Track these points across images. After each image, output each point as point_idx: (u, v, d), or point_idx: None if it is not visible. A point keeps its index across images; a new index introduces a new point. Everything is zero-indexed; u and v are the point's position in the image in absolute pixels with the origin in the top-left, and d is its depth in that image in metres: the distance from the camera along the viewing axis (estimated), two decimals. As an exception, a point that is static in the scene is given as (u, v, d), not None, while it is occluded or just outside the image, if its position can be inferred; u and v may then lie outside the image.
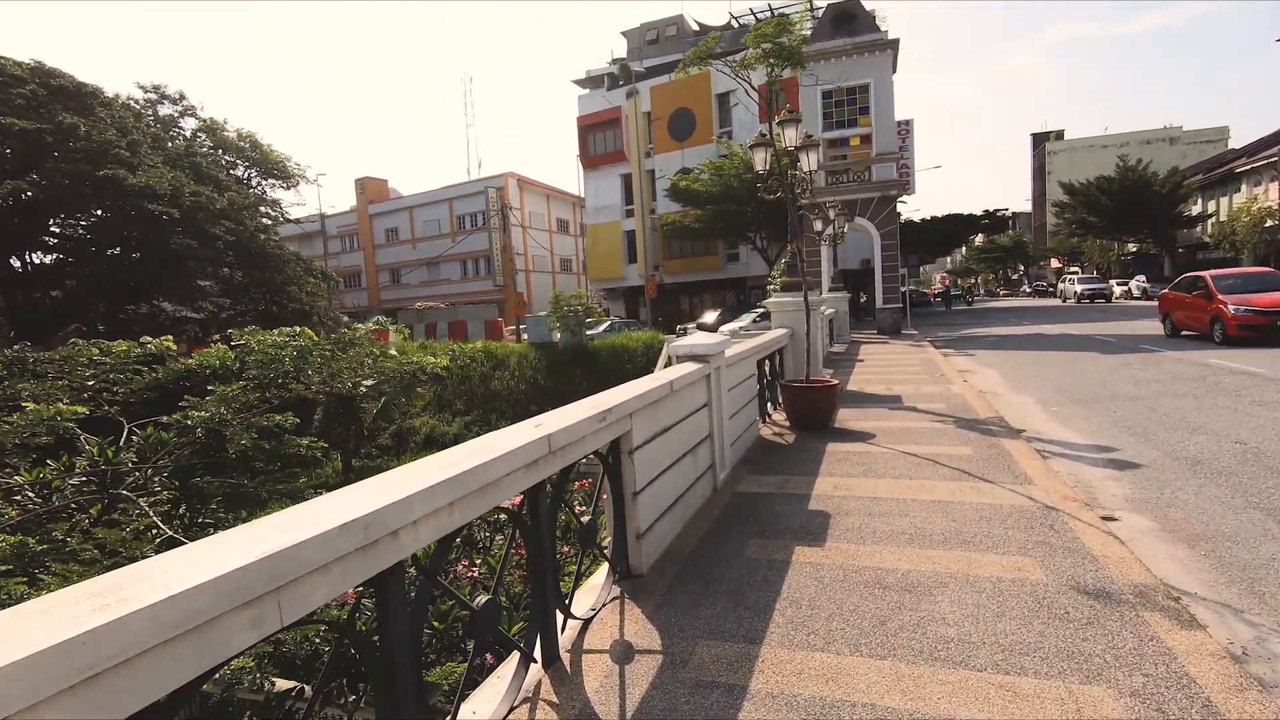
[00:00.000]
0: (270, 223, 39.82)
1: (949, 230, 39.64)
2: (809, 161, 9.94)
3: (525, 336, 29.59)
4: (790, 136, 9.75)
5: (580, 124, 45.93)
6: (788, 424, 7.32)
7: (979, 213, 38.90)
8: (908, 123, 36.92)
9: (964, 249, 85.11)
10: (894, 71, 22.66)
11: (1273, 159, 33.78)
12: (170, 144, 28.41)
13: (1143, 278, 41.54)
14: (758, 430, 6.86)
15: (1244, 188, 37.43)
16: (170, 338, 8.54)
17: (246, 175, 40.12)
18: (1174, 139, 69.33)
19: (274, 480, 9.12)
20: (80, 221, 23.99)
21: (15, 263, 24.50)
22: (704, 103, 40.22)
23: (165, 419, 8.31)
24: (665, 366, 20.96)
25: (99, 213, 22.54)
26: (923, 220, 39.15)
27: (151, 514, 6.82)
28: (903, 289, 23.12)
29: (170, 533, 6.80)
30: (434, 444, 24.81)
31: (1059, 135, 79.87)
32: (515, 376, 26.58)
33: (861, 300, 34.33)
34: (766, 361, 8.05)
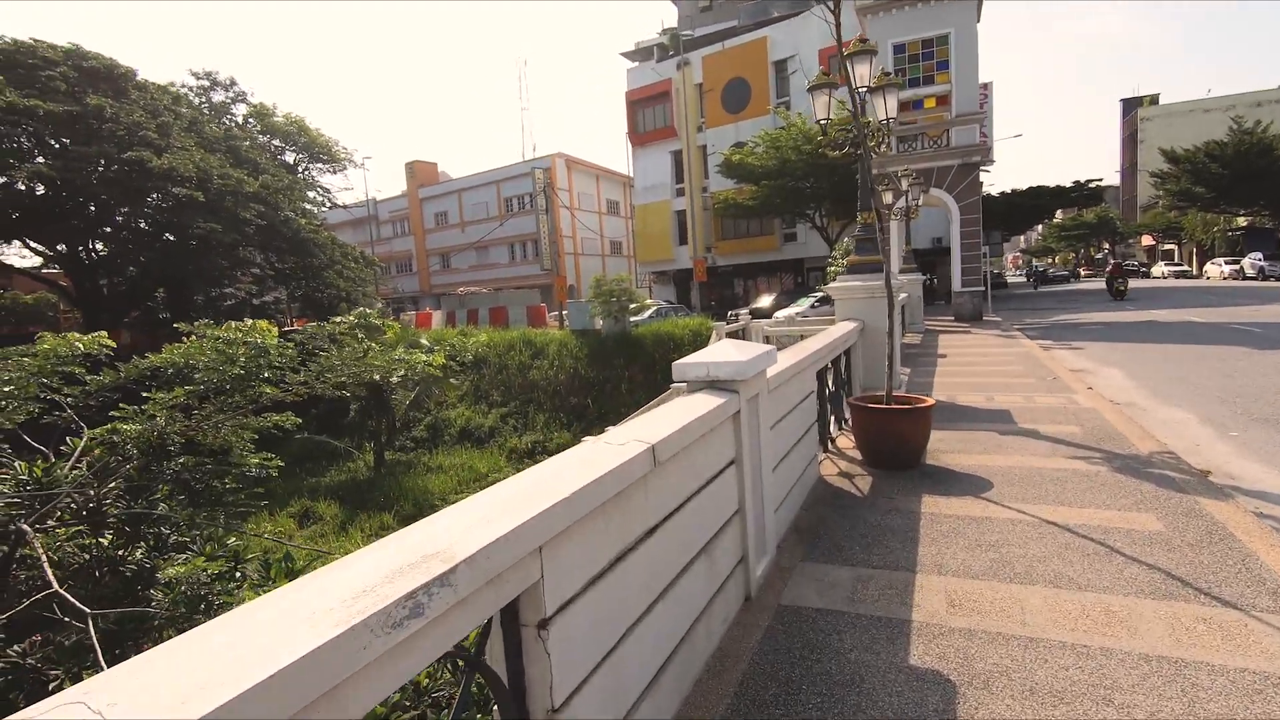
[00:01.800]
0: (314, 207, 39.49)
1: (1032, 205, 35.92)
2: (886, 106, 7.79)
3: (567, 323, 28.03)
4: (862, 74, 7.61)
5: (629, 99, 43.82)
6: (856, 454, 5.32)
7: (1068, 184, 35.03)
8: (986, 86, 33.39)
9: (1040, 227, 79.12)
10: (979, 19, 19.77)
11: None
12: (209, 127, 27.81)
13: (1258, 255, 36.78)
14: (816, 471, 4.88)
15: (1389, 149, 32.39)
16: (105, 333, 7.15)
17: (295, 160, 39.87)
18: (1290, 100, 62.10)
19: (233, 508, 7.60)
20: (123, 209, 23.62)
21: (82, 252, 24.43)
22: (760, 71, 37.51)
23: (90, 434, 6.93)
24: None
25: (145, 198, 22.03)
26: (1001, 194, 35.56)
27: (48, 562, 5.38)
28: (985, 269, 20.37)
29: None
30: (469, 436, 23.60)
31: (1153, 100, 72.92)
32: (555, 366, 25.03)
33: (931, 283, 31.32)
34: (829, 369, 6.04)
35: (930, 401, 4.96)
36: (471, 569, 1.28)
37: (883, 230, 21.96)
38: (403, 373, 9.27)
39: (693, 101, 40.70)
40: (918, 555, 3.44)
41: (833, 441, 5.91)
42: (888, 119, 7.81)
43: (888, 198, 17.35)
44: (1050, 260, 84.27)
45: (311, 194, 40.10)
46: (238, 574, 7.18)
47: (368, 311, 9.69)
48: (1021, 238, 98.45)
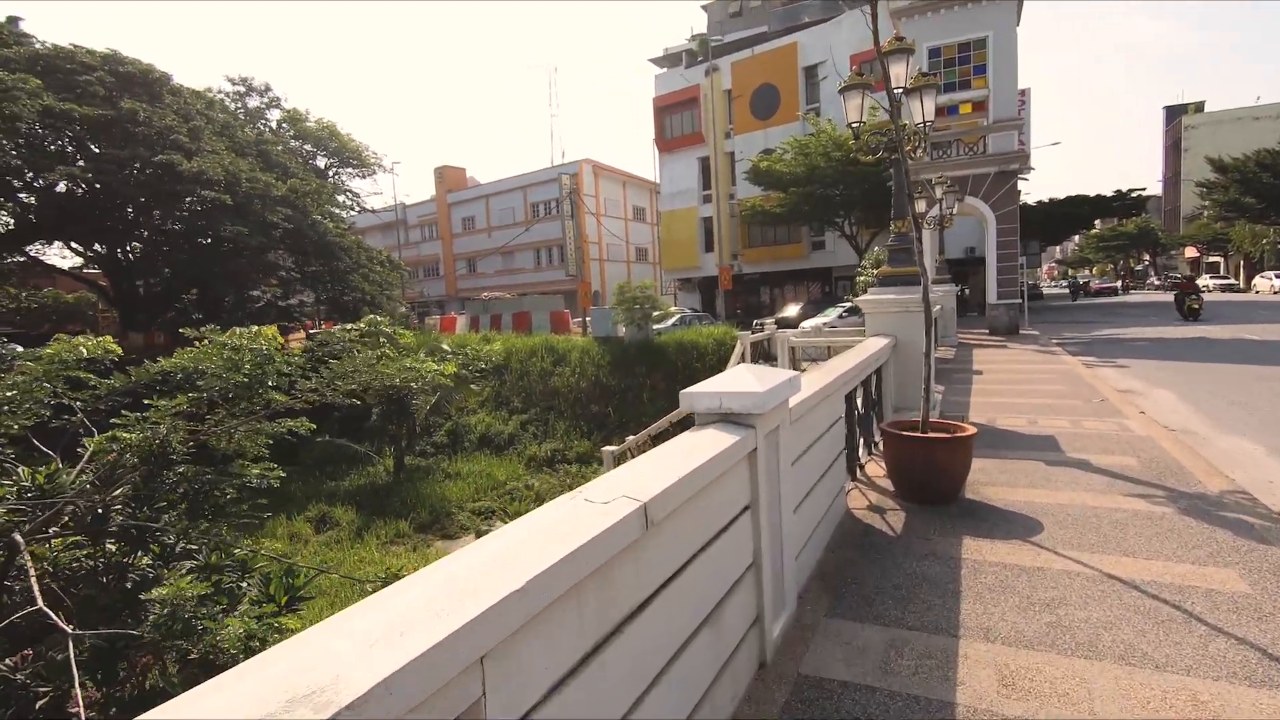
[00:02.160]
0: (343, 211, 39.88)
1: (1070, 214, 34.81)
2: (923, 109, 7.33)
3: (590, 330, 27.75)
4: (898, 75, 7.17)
5: (656, 105, 43.61)
6: (887, 483, 4.87)
7: (1108, 193, 33.85)
8: (1024, 92, 32.46)
9: (1077, 237, 76.92)
10: (1018, 22, 19.10)
11: None
12: (240, 131, 28.18)
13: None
14: (844, 504, 4.45)
15: None
16: (110, 337, 6.99)
17: (326, 165, 40.40)
18: (1346, 107, 59.82)
19: (234, 519, 7.35)
20: (157, 212, 24.00)
21: (119, 253, 24.89)
22: (789, 77, 36.99)
23: (86, 442, 6.76)
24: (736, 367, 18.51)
25: (178, 200, 22.32)
26: (1039, 203, 34.51)
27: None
28: (1021, 280, 19.61)
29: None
30: (488, 443, 23.41)
31: (1199, 107, 70.65)
32: (576, 373, 24.74)
33: (964, 294, 30.46)
34: (859, 389, 5.60)
35: (972, 430, 4.49)
36: (360, 714, 0.91)
37: (920, 243, 21.25)
38: (415, 381, 9.01)
39: (721, 108, 40.29)
40: (960, 614, 2.99)
41: (862, 469, 5.46)
42: (924, 122, 7.35)
43: (921, 206, 16.76)
44: (1090, 271, 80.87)
45: (341, 198, 40.60)
46: (242, 586, 6.94)
47: (378, 319, 9.41)
48: (1058, 249, 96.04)
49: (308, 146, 39.89)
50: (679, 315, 29.51)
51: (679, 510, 1.94)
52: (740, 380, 2.66)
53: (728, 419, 2.60)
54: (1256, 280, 41.25)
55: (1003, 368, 11.64)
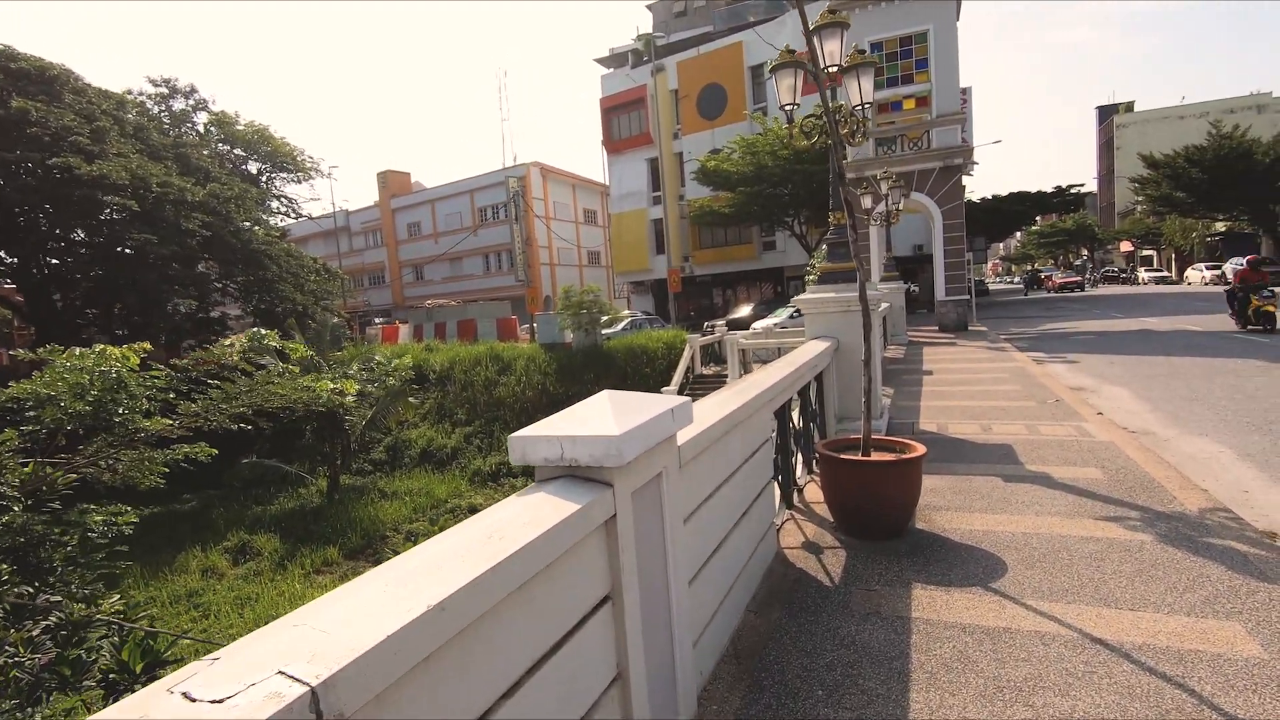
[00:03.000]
0: (277, 218, 37.98)
1: (1013, 211, 35.32)
2: (860, 89, 6.70)
3: (537, 337, 26.79)
4: (832, 52, 6.53)
5: (603, 106, 42.86)
6: (827, 515, 4.16)
7: (1049, 190, 34.45)
8: (966, 91, 32.79)
9: (1019, 234, 78.99)
10: (958, 17, 18.95)
11: None
12: (155, 134, 26.36)
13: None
14: (773, 544, 3.70)
15: (1368, 153, 32.14)
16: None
17: (259, 170, 38.51)
18: (1262, 106, 62.69)
19: (88, 569, 6.31)
20: (73, 221, 22.08)
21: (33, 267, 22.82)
22: (736, 77, 36.67)
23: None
24: (681, 380, 17.27)
25: (90, 208, 20.47)
26: (983, 200, 34.92)
27: None
28: (968, 276, 19.45)
29: None
30: (429, 458, 22.27)
31: (1129, 107, 73.38)
32: (522, 382, 23.78)
33: (912, 290, 30.50)
34: (796, 400, 4.90)
35: (920, 450, 3.81)
36: None
37: (861, 239, 21.01)
38: (312, 403, 8.05)
39: (668, 108, 39.79)
40: (909, 710, 2.26)
41: (800, 492, 4.75)
42: (862, 104, 6.72)
43: (866, 202, 16.39)
44: (1054, 264, 77.25)
45: (275, 204, 38.72)
46: (89, 653, 5.87)
47: (262, 334, 8.36)
48: (1001, 245, 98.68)
49: (237, 151, 37.93)
50: (629, 319, 28.77)
51: (451, 648, 1.15)
52: (592, 417, 1.88)
53: (575, 473, 1.81)
54: (1189, 272, 42.67)
55: (953, 367, 11.19)
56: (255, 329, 8.07)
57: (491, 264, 52.17)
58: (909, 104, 19.01)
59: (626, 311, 36.53)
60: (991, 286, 70.50)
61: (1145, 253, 60.63)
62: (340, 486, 20.11)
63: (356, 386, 8.83)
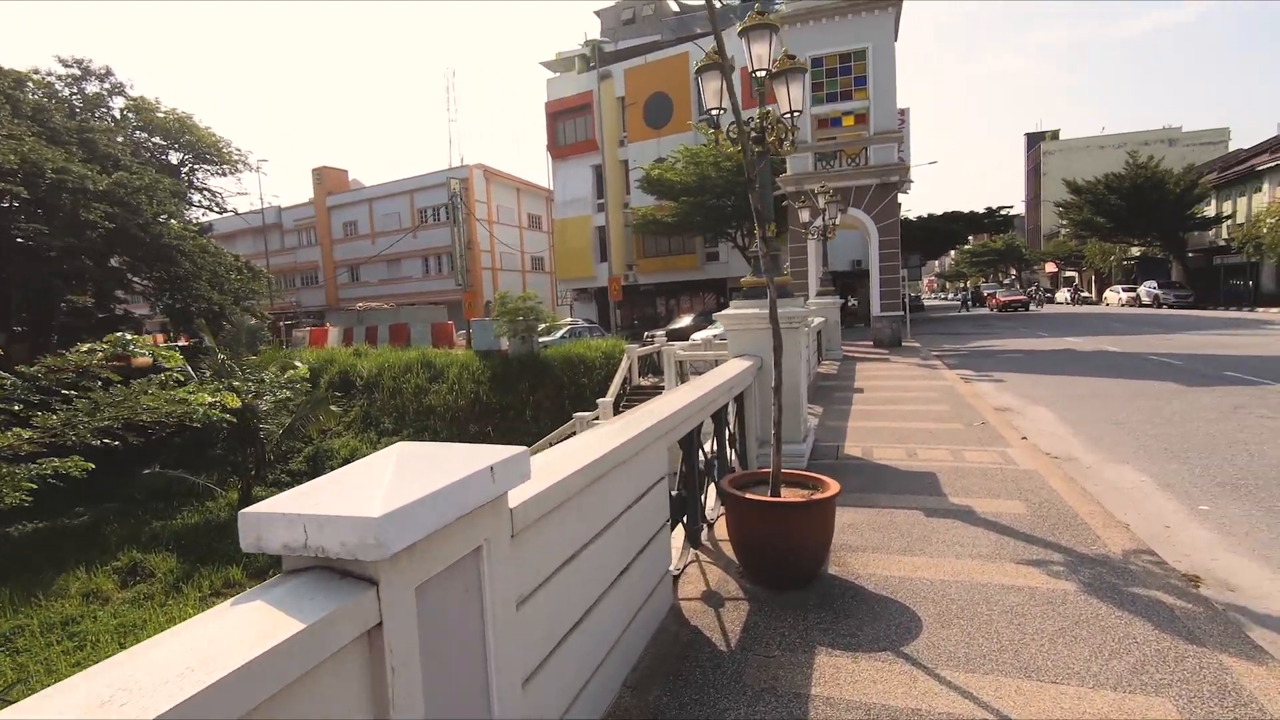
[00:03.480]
0: (198, 211, 35.95)
1: (947, 230, 36.37)
2: (789, 95, 6.41)
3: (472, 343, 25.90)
4: (760, 56, 6.23)
5: (549, 110, 42.29)
6: (733, 558, 3.74)
7: (981, 211, 35.65)
8: (904, 111, 33.62)
9: (952, 253, 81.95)
10: (896, 37, 19.22)
11: (1302, 154, 30.74)
12: (57, 117, 24.38)
13: (1153, 283, 38.47)
14: (667, 598, 3.25)
15: (1265, 186, 34.41)
16: None
17: (180, 161, 36.33)
18: (1173, 140, 66.78)
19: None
20: None
21: None
22: (682, 86, 36.65)
23: None
24: (618, 391, 16.72)
25: None
26: (919, 218, 35.85)
27: None
28: (903, 293, 19.68)
29: None
30: (353, 470, 21.11)
31: (1054, 135, 77.13)
32: (454, 390, 22.89)
33: (851, 305, 30.96)
34: (712, 424, 4.49)
35: (834, 489, 3.43)
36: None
37: (798, 254, 21.09)
38: (189, 417, 7.22)
39: (614, 115, 39.51)
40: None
41: (711, 528, 4.33)
42: (791, 111, 6.44)
43: (804, 215, 16.35)
44: (996, 280, 73.49)
45: (198, 197, 36.65)
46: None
47: (127, 337, 7.49)
48: (936, 263, 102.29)
49: (157, 140, 35.68)
50: (568, 327, 28.18)
51: None
52: (359, 485, 1.39)
53: (330, 565, 1.31)
54: (1107, 294, 44.91)
55: (884, 384, 11.08)
56: (120, 333, 7.20)
57: (431, 267, 50.73)
58: (848, 120, 19.16)
59: (568, 319, 35.94)
60: (927, 303, 72.65)
61: (1068, 274, 63.62)
62: (253, 499, 18.82)
63: (236, 402, 7.99)
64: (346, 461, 21.45)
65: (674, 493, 3.68)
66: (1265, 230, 31.27)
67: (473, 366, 23.70)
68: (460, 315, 34.29)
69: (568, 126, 41.50)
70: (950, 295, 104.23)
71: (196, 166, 37.16)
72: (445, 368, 24.01)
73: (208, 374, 18.41)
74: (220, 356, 18.79)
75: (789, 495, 3.58)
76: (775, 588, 3.40)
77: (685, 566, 3.73)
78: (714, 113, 6.19)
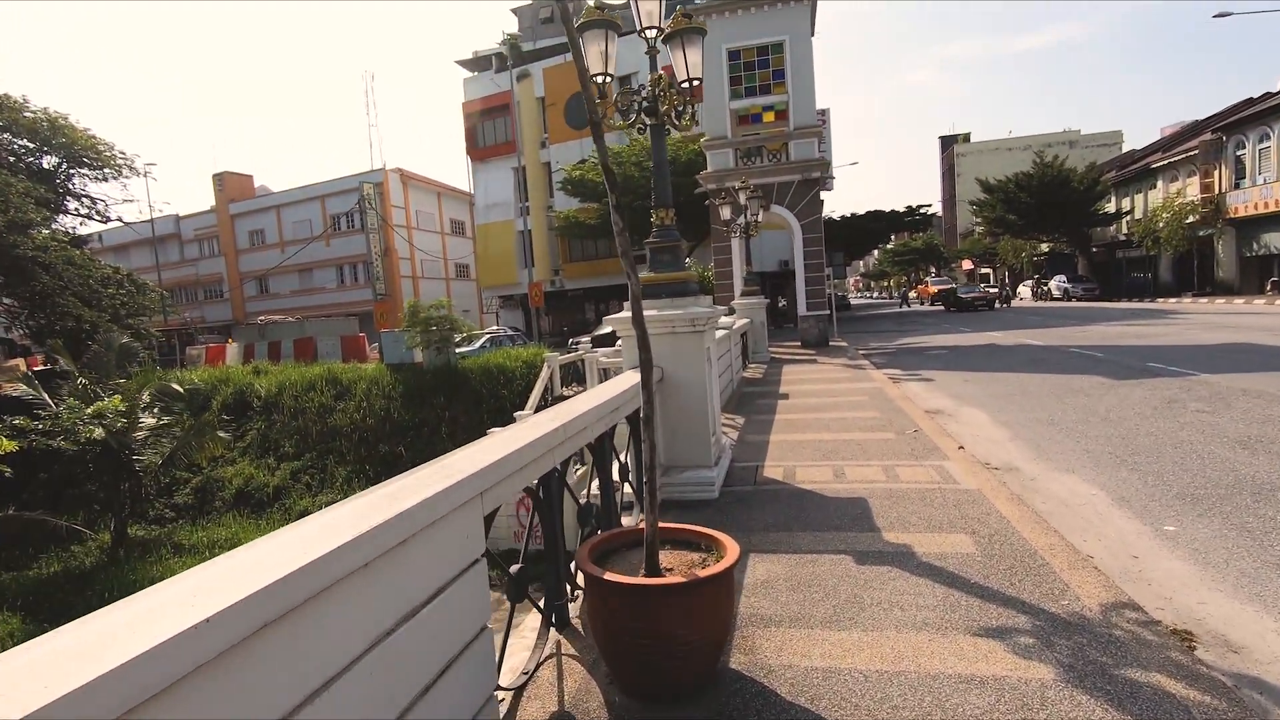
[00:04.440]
0: (75, 219, 32.70)
1: (870, 229, 36.73)
2: (686, 61, 5.50)
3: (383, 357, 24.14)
4: (650, 12, 5.31)
5: (466, 111, 40.69)
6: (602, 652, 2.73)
7: (901, 209, 36.17)
8: (824, 112, 33.73)
9: (876, 252, 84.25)
10: (813, 32, 18.84)
11: (1191, 152, 32.46)
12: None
13: (1062, 277, 40.05)
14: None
15: (1160, 183, 36.27)
16: None
17: (55, 165, 32.87)
18: (1073, 142, 70.39)
19: None
20: None
21: None
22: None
23: None
24: (538, 403, 15.54)
25: None
26: (843, 217, 36.07)
27: None
28: (829, 291, 19.28)
29: None
30: (247, 500, 19.16)
31: (966, 138, 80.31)
32: (362, 408, 21.15)
33: (781, 305, 30.71)
34: (592, 453, 3.48)
35: (732, 554, 2.47)
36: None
37: (722, 253, 20.42)
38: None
39: (534, 116, 38.27)
40: None
41: (574, 593, 3.30)
42: (690, 79, 5.53)
43: (725, 213, 15.64)
44: (954, 273, 67.75)
45: (74, 205, 33.31)
46: None
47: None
48: (861, 262, 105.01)
49: (23, 141, 32.22)
50: (488, 336, 26.77)
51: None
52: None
53: None
54: (1020, 288, 46.65)
55: (811, 388, 10.37)
56: None
57: (346, 276, 48.08)
58: (769, 116, 18.62)
59: (495, 327, 34.41)
60: (854, 301, 73.95)
61: (984, 271, 66.09)
62: (131, 539, 16.76)
63: (13, 445, 6.55)
64: (241, 492, 19.42)
65: (534, 548, 2.64)
66: (1161, 225, 32.88)
67: (383, 381, 22.03)
68: (367, 327, 32.26)
69: (487, 128, 39.98)
70: (874, 294, 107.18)
71: (73, 171, 33.77)
72: (353, 384, 22.23)
73: (67, 400, 16.27)
74: (80, 381, 16.59)
75: (672, 561, 2.60)
76: (652, 699, 2.40)
77: (539, 667, 2.69)
78: (599, 80, 5.22)
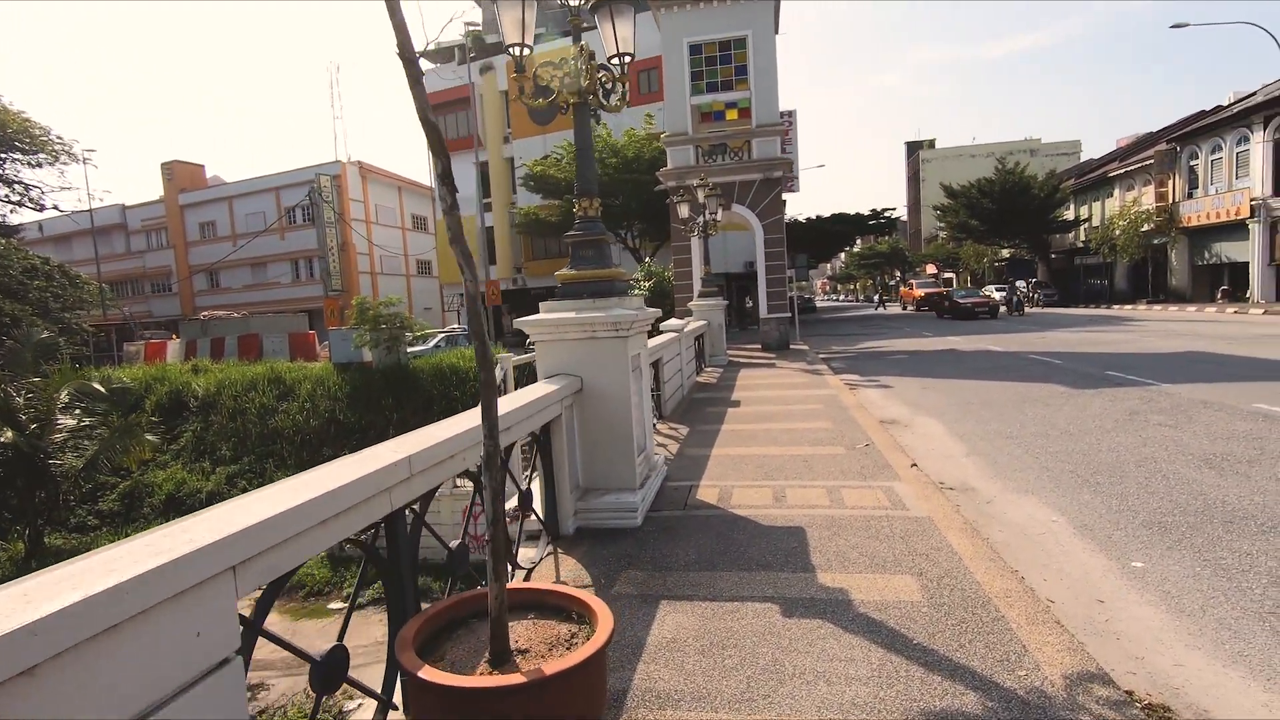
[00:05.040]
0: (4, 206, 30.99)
1: (836, 231, 36.66)
2: (616, 36, 4.93)
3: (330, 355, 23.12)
4: (575, -24, 4.72)
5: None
6: None
7: (866, 213, 36.19)
8: (791, 113, 33.50)
9: (842, 255, 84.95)
10: (777, 30, 18.44)
11: (1147, 162, 33.02)
12: None
13: (1023, 283, 40.51)
14: None
15: (1116, 192, 36.89)
16: None
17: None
18: (1034, 150, 71.76)
19: None
20: None
21: None
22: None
23: None
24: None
25: None
26: (808, 220, 35.94)
27: None
28: (790, 294, 18.91)
29: None
30: (178, 506, 18.05)
31: (931, 144, 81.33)
32: (306, 409, 20.15)
33: (749, 305, 30.38)
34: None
35: (601, 635, 1.88)
36: None
37: (681, 252, 19.91)
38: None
39: (497, 110, 37.41)
40: None
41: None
42: (620, 54, 4.96)
43: (684, 210, 15.13)
44: (944, 274, 61.63)
45: (4, 191, 31.50)
46: None
47: None
48: (828, 265, 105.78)
49: (-54, 125, 30.36)
50: (443, 335, 25.90)
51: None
52: None
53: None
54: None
55: (764, 395, 9.88)
56: None
57: (302, 271, 46.48)
58: (731, 114, 18.17)
59: (454, 325, 33.46)
60: (820, 303, 74.24)
61: (947, 275, 66.95)
62: (48, 549, 15.61)
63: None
64: (171, 498, 18.30)
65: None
66: (1118, 233, 33.39)
67: (329, 382, 21.05)
68: (308, 324, 31.03)
69: (448, 121, 38.93)
70: (843, 297, 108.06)
71: (4, 156, 31.92)
72: (297, 384, 21.21)
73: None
74: None
75: (532, 638, 2.01)
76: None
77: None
78: (515, 50, 4.62)
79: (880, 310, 47.73)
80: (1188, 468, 5.32)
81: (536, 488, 4.18)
